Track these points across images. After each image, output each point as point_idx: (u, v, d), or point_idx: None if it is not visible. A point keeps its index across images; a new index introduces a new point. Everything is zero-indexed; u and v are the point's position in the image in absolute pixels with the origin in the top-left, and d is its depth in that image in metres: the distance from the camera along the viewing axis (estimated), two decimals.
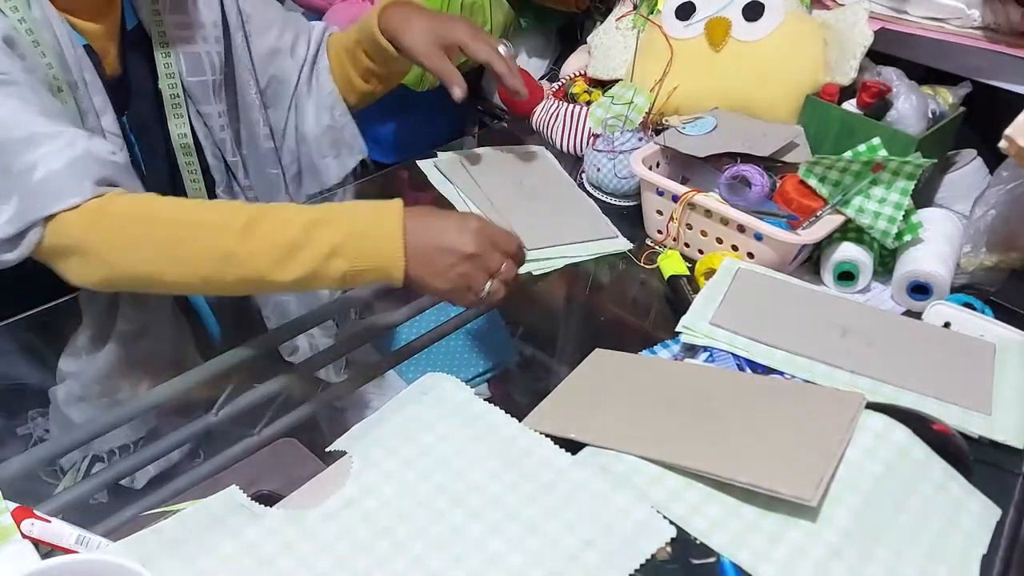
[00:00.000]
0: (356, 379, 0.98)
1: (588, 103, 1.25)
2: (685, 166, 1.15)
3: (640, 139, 1.16)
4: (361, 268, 0.76)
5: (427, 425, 0.77)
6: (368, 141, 1.15)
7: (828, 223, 1.00)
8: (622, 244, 1.10)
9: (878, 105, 1.08)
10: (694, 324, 0.91)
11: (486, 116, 1.69)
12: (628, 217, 1.15)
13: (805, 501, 0.67)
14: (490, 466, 0.73)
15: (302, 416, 0.89)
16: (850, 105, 1.12)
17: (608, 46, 1.30)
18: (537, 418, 0.79)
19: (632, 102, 1.20)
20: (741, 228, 1.01)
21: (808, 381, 0.84)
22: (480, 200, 1.12)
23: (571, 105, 1.26)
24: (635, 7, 1.30)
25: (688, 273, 1.03)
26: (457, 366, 1.06)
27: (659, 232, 1.11)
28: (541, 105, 1.30)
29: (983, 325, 0.92)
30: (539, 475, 0.72)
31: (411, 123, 1.67)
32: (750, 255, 1.02)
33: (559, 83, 1.36)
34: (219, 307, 1.05)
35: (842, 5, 1.20)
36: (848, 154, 1.01)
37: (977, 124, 1.14)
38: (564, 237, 1.07)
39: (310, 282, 0.76)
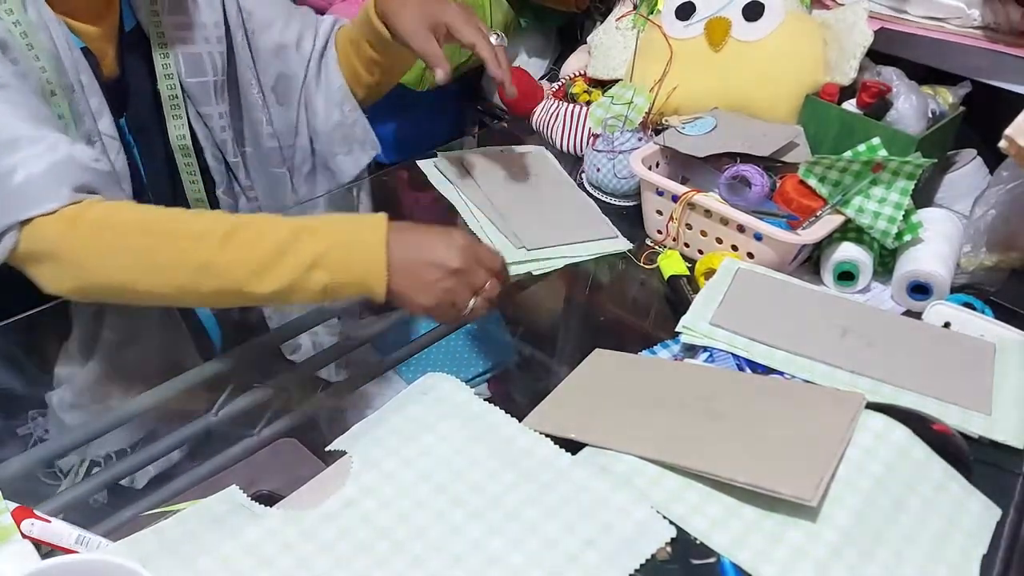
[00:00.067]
0: (356, 379, 0.98)
1: (588, 103, 1.25)
2: (685, 166, 1.15)
3: (640, 139, 1.16)
4: (342, 281, 0.74)
5: (427, 425, 0.77)
6: None
7: (828, 223, 1.00)
8: (622, 244, 1.09)
9: (878, 105, 1.09)
10: (694, 324, 0.91)
11: (486, 116, 1.69)
12: (628, 217, 1.15)
13: (805, 501, 0.67)
14: (490, 466, 0.73)
15: (302, 416, 0.89)
16: (850, 105, 1.12)
17: (608, 46, 1.30)
18: (537, 418, 0.79)
19: (632, 102, 1.20)
20: (741, 228, 1.01)
21: (808, 381, 0.84)
22: (480, 200, 1.12)
23: (571, 105, 1.26)
24: (635, 7, 1.30)
25: (688, 273, 1.03)
26: (457, 366, 1.06)
27: (659, 232, 1.11)
28: (541, 105, 1.30)
29: (983, 325, 0.92)
30: (539, 475, 0.72)
31: (411, 123, 1.67)
32: (750, 255, 1.02)
33: (559, 83, 1.36)
34: (220, 310, 1.04)
35: (842, 5, 1.20)
36: (848, 154, 1.01)
37: (977, 124, 1.14)
38: (564, 237, 1.06)
39: (288, 295, 0.74)
